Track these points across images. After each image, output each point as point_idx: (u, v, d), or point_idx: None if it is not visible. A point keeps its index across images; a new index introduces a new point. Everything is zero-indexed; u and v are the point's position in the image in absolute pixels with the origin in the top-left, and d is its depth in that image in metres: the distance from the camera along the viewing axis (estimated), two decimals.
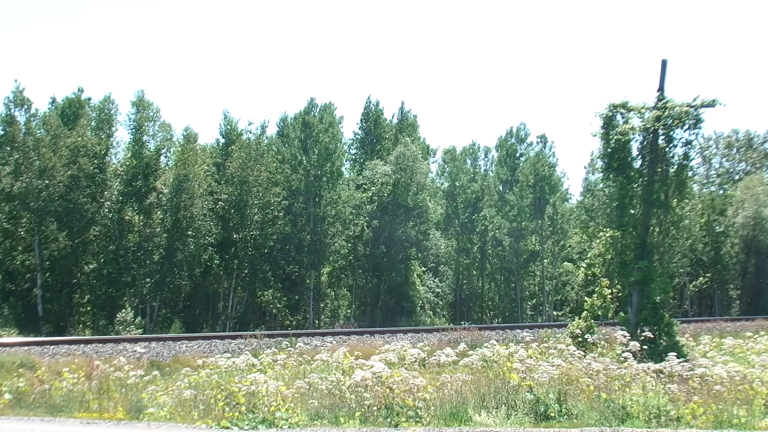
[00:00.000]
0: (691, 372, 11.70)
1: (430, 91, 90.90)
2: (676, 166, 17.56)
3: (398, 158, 46.65)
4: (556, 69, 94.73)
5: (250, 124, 47.63)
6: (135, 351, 19.18)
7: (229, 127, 46.44)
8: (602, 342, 15.37)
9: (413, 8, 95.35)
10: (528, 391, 10.86)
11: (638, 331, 15.16)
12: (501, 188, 56.69)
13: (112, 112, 42.61)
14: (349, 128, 62.47)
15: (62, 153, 37.69)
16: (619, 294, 17.57)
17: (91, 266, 39.34)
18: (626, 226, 17.60)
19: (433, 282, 52.35)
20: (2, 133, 38.81)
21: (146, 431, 10.30)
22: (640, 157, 17.82)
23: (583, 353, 13.31)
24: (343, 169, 49.71)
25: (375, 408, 10.42)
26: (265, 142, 46.37)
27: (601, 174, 18.52)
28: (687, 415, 10.16)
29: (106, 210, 39.13)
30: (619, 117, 17.83)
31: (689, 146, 17.74)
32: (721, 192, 54.76)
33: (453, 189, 55.97)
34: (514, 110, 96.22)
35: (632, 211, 17.61)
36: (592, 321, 17.08)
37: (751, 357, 13.94)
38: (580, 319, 17.20)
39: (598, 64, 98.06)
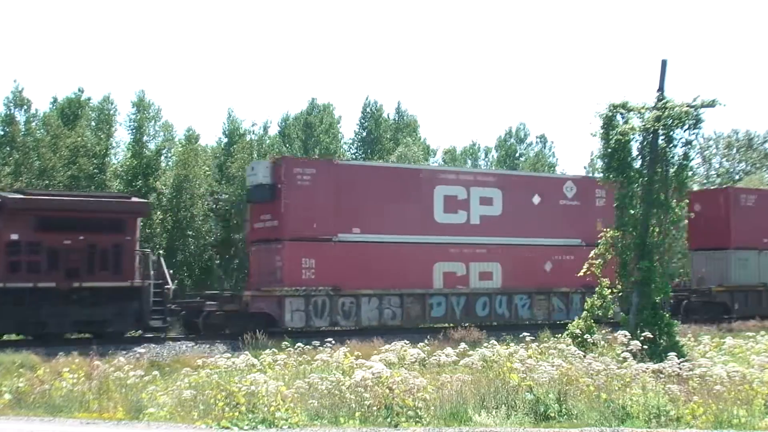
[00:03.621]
0: (691, 372, 11.72)
1: (430, 91, 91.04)
2: (676, 167, 17.56)
3: (399, 158, 46.73)
4: (556, 69, 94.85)
5: (253, 125, 47.58)
6: (135, 351, 19.17)
7: (232, 126, 46.40)
8: (602, 342, 15.38)
9: (413, 9, 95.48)
10: (528, 391, 10.88)
11: (638, 332, 15.15)
12: None
13: (112, 112, 42.60)
14: (350, 128, 62.55)
15: (62, 153, 37.67)
16: (620, 294, 17.57)
17: None
18: (626, 226, 17.61)
19: None
20: (2, 133, 38.80)
21: (146, 431, 10.32)
22: (640, 157, 17.82)
23: (583, 353, 13.33)
24: None
25: (375, 408, 10.43)
26: (267, 142, 46.33)
27: (601, 174, 18.53)
28: (687, 415, 10.17)
29: None
30: (619, 117, 17.82)
31: (689, 146, 17.74)
32: None
33: None
34: (514, 110, 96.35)
35: (632, 211, 17.62)
36: (592, 321, 17.08)
37: (751, 357, 13.93)
38: (580, 319, 17.21)
39: (598, 64, 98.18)
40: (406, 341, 14.83)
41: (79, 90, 42.85)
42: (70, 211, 21.32)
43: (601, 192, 27.53)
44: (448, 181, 26.88)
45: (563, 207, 28.29)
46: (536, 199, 27.90)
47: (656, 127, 17.28)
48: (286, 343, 15.84)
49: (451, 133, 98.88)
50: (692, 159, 18.40)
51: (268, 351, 14.60)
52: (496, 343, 14.91)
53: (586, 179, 30.48)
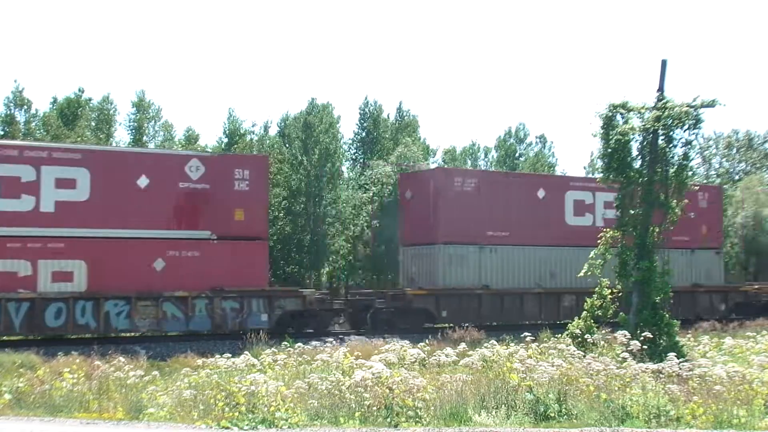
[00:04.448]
0: (691, 372, 11.72)
1: (429, 91, 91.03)
2: (675, 167, 17.59)
3: (399, 158, 46.66)
4: (556, 69, 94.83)
5: (254, 125, 47.61)
6: (135, 351, 19.19)
7: (233, 126, 46.41)
8: (602, 342, 15.39)
9: (413, 9, 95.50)
10: (528, 391, 10.88)
11: (638, 332, 15.17)
12: None
13: (111, 112, 42.68)
14: (349, 128, 62.52)
15: None
16: (620, 294, 17.58)
17: None
18: (626, 226, 17.62)
19: None
20: (2, 133, 38.84)
21: (146, 431, 10.31)
22: (639, 157, 17.85)
23: (583, 353, 13.33)
24: (343, 168, 49.72)
25: (375, 408, 10.43)
26: (267, 142, 46.36)
27: (601, 174, 18.55)
28: (687, 415, 10.17)
29: None
30: (619, 117, 17.86)
31: (689, 146, 17.80)
32: None
33: None
34: (514, 110, 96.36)
35: (632, 212, 17.63)
36: (592, 321, 17.09)
37: (750, 357, 13.94)
38: (579, 319, 17.21)
39: (598, 64, 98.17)
40: (406, 341, 14.84)
41: (79, 90, 42.99)
42: None
43: (244, 172, 23.54)
44: (6, 158, 21.45)
45: (185, 191, 22.98)
46: (143, 182, 22.65)
47: (656, 127, 17.31)
48: (286, 343, 15.84)
49: (451, 133, 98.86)
50: (692, 159, 18.47)
51: (268, 351, 14.61)
52: (495, 343, 14.92)
53: (223, 157, 25.04)
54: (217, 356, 14.45)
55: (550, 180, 32.68)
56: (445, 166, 34.83)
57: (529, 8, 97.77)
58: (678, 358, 12.53)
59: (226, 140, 46.54)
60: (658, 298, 17.17)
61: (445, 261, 26.03)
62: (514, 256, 27.20)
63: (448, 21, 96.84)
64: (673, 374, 11.61)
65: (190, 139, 43.36)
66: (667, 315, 16.97)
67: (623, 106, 17.73)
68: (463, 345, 14.19)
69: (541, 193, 28.28)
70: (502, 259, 26.88)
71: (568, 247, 27.59)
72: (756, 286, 34.09)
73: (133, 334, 22.86)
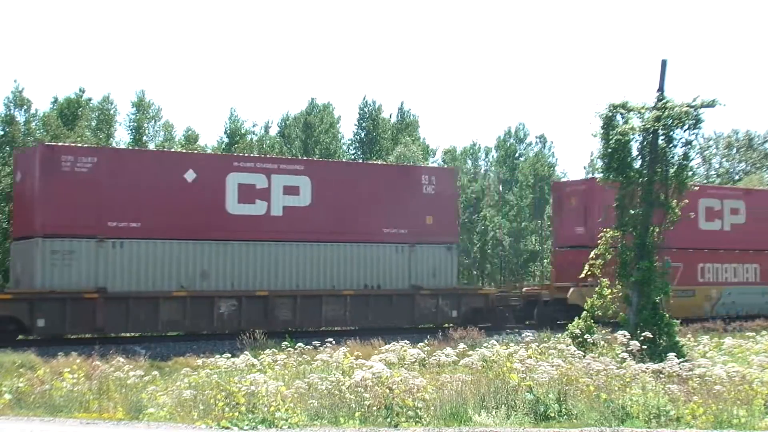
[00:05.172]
0: (691, 372, 11.73)
1: (430, 91, 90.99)
2: (675, 167, 17.58)
3: (398, 158, 46.69)
4: (556, 69, 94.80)
5: (254, 125, 47.63)
6: (135, 351, 19.19)
7: (234, 126, 46.41)
8: (602, 342, 15.39)
9: (413, 9, 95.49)
10: (528, 391, 10.89)
11: (638, 332, 15.17)
12: (501, 188, 56.68)
13: (112, 112, 42.68)
14: (349, 128, 62.53)
15: None
16: (620, 294, 17.58)
17: None
18: (626, 226, 17.62)
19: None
20: (2, 133, 38.83)
21: (146, 431, 10.32)
22: (640, 157, 17.84)
23: (583, 353, 13.34)
24: None
25: (375, 408, 10.44)
26: (267, 142, 46.36)
27: (601, 174, 18.54)
28: (687, 415, 10.18)
29: None
30: (619, 117, 17.83)
31: (689, 146, 17.77)
32: None
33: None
34: (514, 110, 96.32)
35: (632, 211, 17.63)
36: (592, 321, 17.09)
37: (750, 357, 13.95)
38: (579, 319, 17.21)
39: (598, 64, 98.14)
40: (406, 341, 14.84)
41: (80, 90, 42.95)
42: None
43: None
44: None
45: None
46: None
47: (656, 127, 17.29)
48: (286, 343, 15.84)
49: (451, 133, 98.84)
50: (692, 159, 18.44)
51: (268, 351, 14.62)
52: (496, 343, 14.93)
53: None
54: (217, 356, 14.46)
55: (204, 159, 26.73)
56: (52, 143, 28.11)
57: (529, 8, 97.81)
58: (678, 358, 12.54)
59: (227, 140, 46.58)
60: (658, 298, 17.16)
61: (46, 258, 21.13)
62: (147, 252, 22.30)
63: (448, 21, 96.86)
64: (673, 374, 11.62)
65: (190, 139, 43.35)
66: (667, 315, 16.96)
67: (623, 106, 17.72)
68: (462, 345, 14.21)
69: (190, 176, 23.07)
70: (130, 256, 22.07)
71: (230, 242, 23.49)
72: (502, 290, 30.46)
73: (132, 334, 22.67)
